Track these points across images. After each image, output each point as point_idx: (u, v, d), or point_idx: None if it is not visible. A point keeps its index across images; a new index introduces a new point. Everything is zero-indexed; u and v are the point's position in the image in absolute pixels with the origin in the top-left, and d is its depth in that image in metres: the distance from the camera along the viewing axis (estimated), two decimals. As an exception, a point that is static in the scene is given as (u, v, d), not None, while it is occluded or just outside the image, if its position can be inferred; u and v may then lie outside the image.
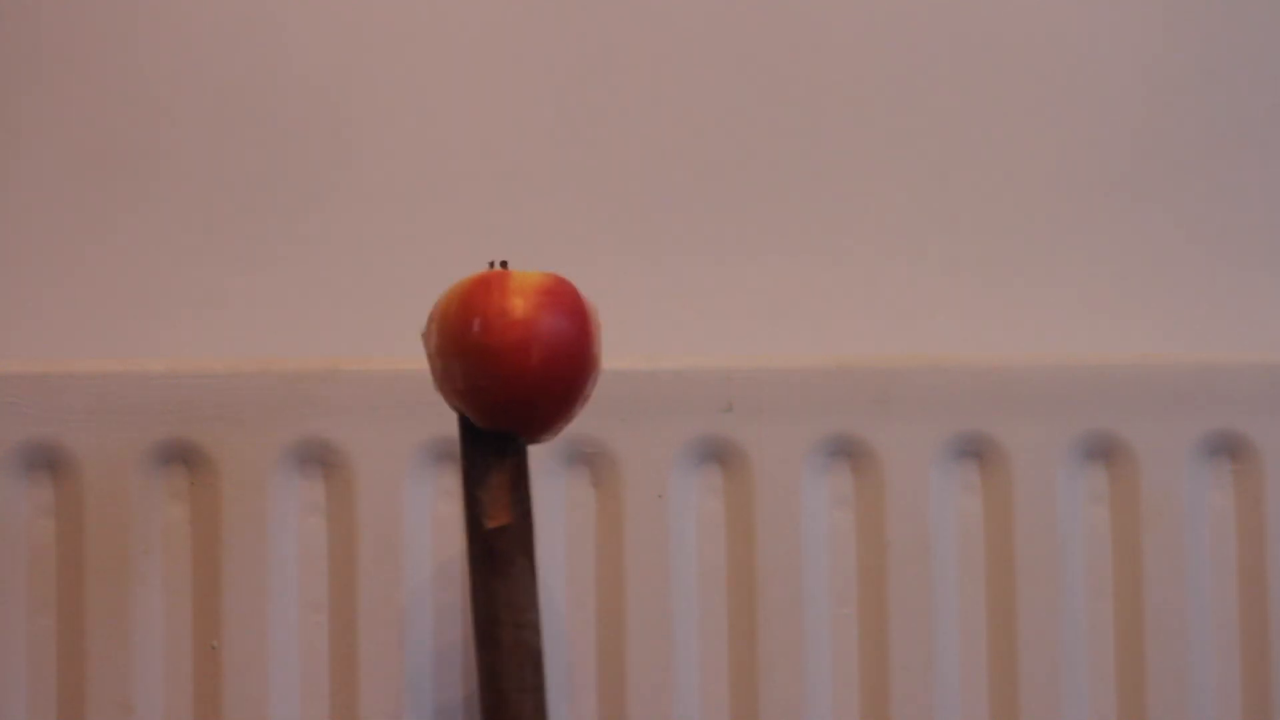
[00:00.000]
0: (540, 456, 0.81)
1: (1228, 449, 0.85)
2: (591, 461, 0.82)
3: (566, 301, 0.68)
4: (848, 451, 0.83)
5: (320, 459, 0.81)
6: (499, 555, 0.69)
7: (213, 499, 0.80)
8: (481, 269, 0.70)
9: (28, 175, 0.88)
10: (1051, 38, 0.93)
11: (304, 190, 0.89)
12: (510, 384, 0.67)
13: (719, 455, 0.83)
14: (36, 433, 0.79)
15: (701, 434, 0.82)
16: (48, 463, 0.80)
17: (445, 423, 0.81)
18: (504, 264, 0.70)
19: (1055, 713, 0.83)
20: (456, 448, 0.81)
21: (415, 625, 0.81)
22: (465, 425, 0.70)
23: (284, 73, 0.89)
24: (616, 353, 0.79)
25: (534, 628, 0.69)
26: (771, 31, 0.92)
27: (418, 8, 0.90)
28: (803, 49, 0.92)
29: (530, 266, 0.90)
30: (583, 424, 0.81)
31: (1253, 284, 0.94)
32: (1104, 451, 0.85)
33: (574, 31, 0.91)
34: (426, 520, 0.81)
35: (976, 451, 0.84)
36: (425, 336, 0.70)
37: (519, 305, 0.67)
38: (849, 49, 0.92)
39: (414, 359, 0.82)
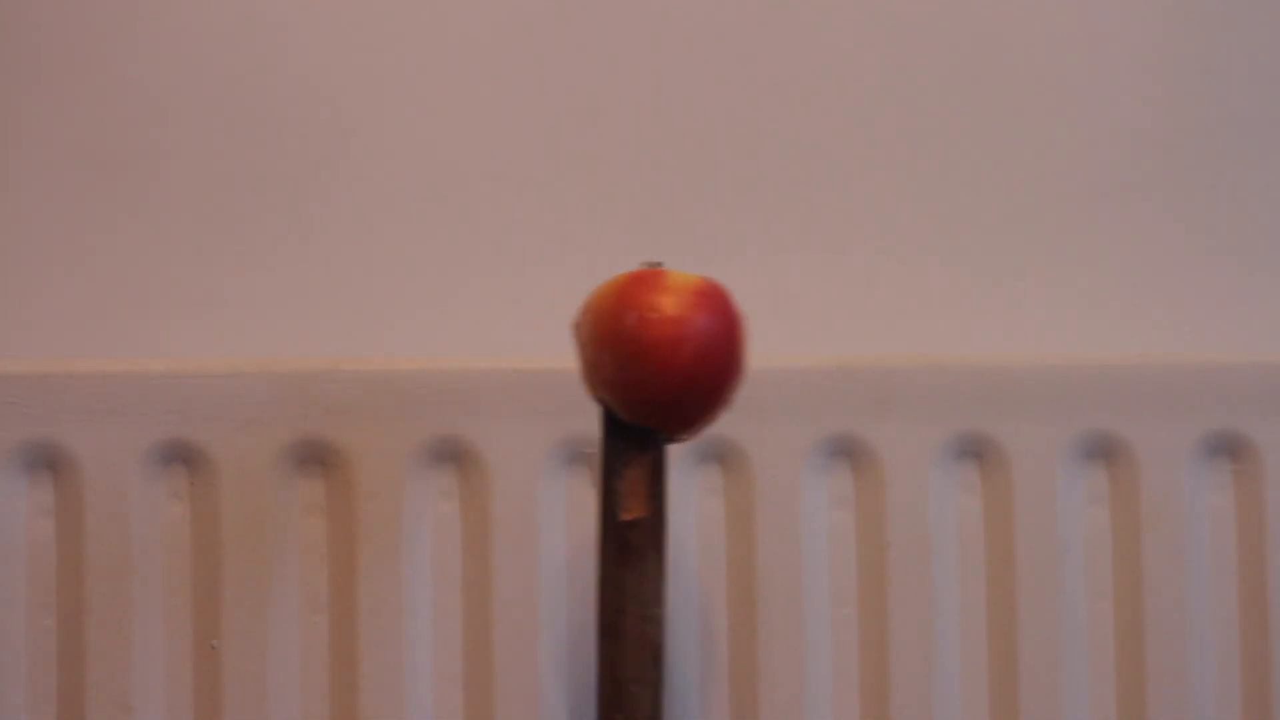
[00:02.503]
0: (539, 457, 0.81)
1: (1228, 449, 0.85)
2: (591, 461, 0.82)
3: (719, 304, 0.70)
4: (848, 451, 0.83)
5: (320, 459, 0.81)
6: (631, 548, 0.70)
7: (213, 499, 0.80)
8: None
9: (28, 175, 0.88)
10: (1052, 37, 0.93)
11: (304, 190, 0.89)
12: (658, 379, 0.68)
13: (719, 455, 0.83)
14: (36, 433, 0.79)
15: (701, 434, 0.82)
16: (48, 463, 0.80)
17: (445, 423, 0.81)
18: (658, 264, 0.72)
19: (1055, 713, 0.83)
20: (455, 448, 0.81)
21: (416, 625, 0.81)
22: (608, 418, 0.71)
23: (283, 72, 0.89)
24: (616, 353, 0.79)
25: (658, 621, 0.71)
26: (770, 30, 0.92)
27: (418, 7, 0.90)
28: (803, 48, 0.92)
29: (527, 265, 0.90)
30: (582, 424, 0.81)
31: (1253, 284, 0.94)
32: (1104, 451, 0.85)
33: (575, 31, 0.91)
34: (427, 520, 0.81)
35: (976, 451, 0.84)
36: (576, 327, 0.71)
37: (673, 303, 0.69)
38: (849, 48, 0.92)
39: (414, 359, 0.82)
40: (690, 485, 0.83)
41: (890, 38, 0.92)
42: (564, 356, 0.82)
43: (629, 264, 0.89)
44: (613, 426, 0.71)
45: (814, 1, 0.92)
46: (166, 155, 0.89)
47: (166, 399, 0.80)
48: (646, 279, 0.70)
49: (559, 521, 0.82)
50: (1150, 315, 0.93)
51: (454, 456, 0.81)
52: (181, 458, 0.80)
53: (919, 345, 0.91)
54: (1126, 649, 0.84)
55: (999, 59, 0.93)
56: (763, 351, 0.87)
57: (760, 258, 0.91)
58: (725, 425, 0.82)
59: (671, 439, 0.71)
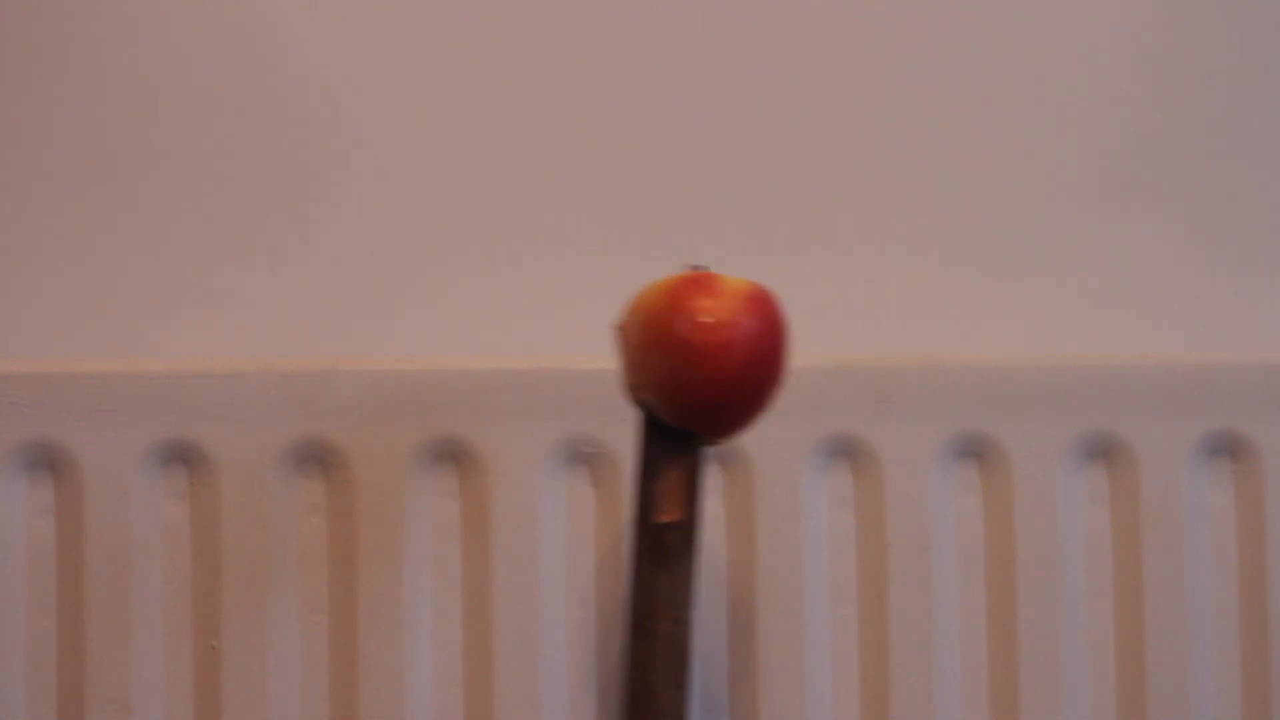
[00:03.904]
0: (539, 457, 0.81)
1: (1228, 449, 0.85)
2: (592, 461, 0.82)
3: (769, 309, 0.70)
4: (848, 451, 0.83)
5: (320, 459, 0.81)
6: (666, 550, 0.70)
7: (213, 499, 0.80)
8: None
9: (27, 175, 0.88)
10: (1053, 37, 0.93)
11: (304, 189, 0.89)
12: (708, 383, 0.68)
13: (720, 455, 0.83)
14: (36, 433, 0.79)
15: (701, 434, 0.82)
16: (48, 463, 0.80)
17: (446, 423, 0.81)
18: (705, 267, 0.72)
19: (1055, 713, 0.83)
20: (457, 448, 0.81)
21: (416, 625, 0.81)
22: (648, 419, 0.71)
23: (283, 71, 0.89)
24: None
25: (689, 625, 0.71)
26: (770, 30, 0.92)
27: (418, 4, 0.90)
28: (802, 48, 0.92)
29: (527, 265, 0.90)
30: (582, 425, 0.81)
31: (1253, 284, 0.94)
32: (1104, 451, 0.85)
33: (576, 30, 0.91)
34: (427, 520, 0.81)
35: (976, 451, 0.84)
36: (621, 327, 0.71)
37: (726, 307, 0.69)
38: (849, 48, 0.92)
39: (414, 359, 0.82)
40: (690, 485, 0.83)
41: (891, 38, 0.92)
42: (564, 356, 0.82)
43: (629, 263, 0.90)
44: (653, 429, 0.71)
45: (815, 2, 0.92)
46: (166, 155, 0.89)
47: (166, 399, 0.80)
48: (698, 282, 0.70)
49: (559, 521, 0.82)
50: (1150, 315, 0.93)
51: (454, 456, 0.81)
52: (181, 458, 0.80)
53: (919, 345, 0.91)
54: (1126, 649, 0.84)
55: (999, 59, 0.93)
56: (763, 351, 0.87)
57: (760, 258, 0.91)
58: (725, 425, 0.82)
59: (710, 443, 0.71)
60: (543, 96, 0.91)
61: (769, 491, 0.82)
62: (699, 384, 0.68)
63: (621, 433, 0.81)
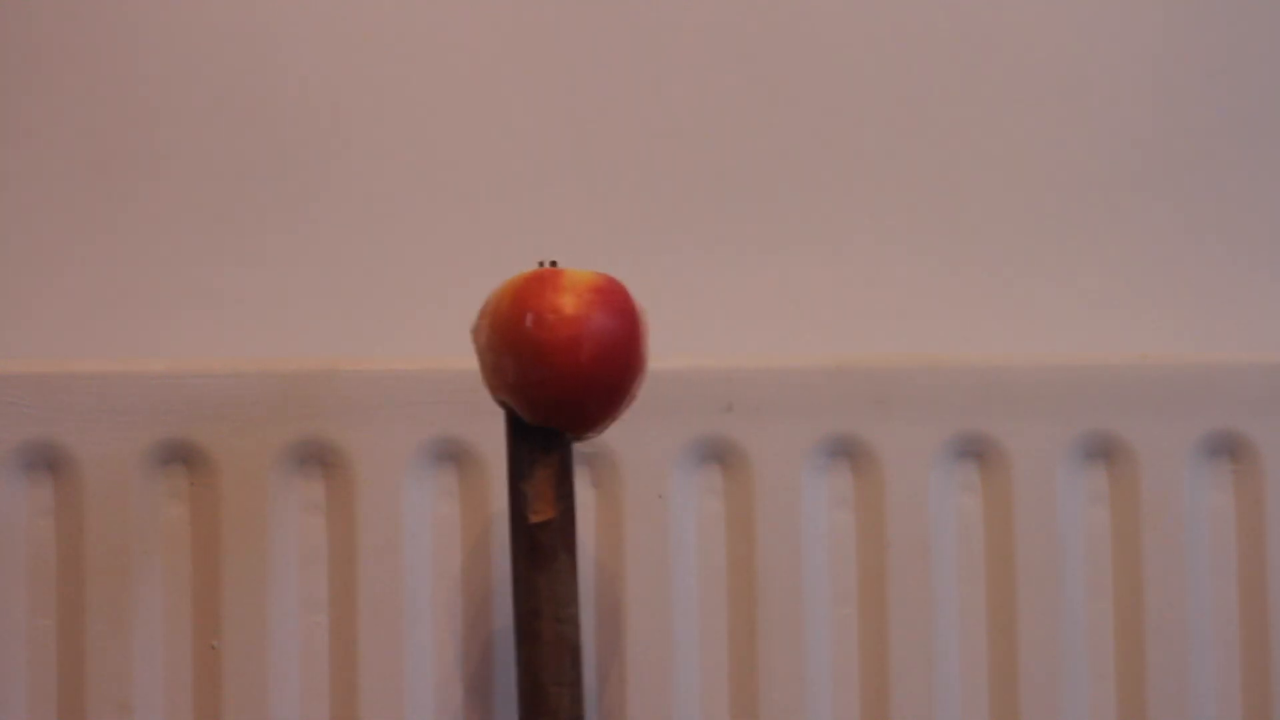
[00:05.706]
0: (540, 456, 0.81)
1: (1228, 449, 0.85)
2: (591, 461, 0.82)
3: (617, 301, 0.70)
4: (848, 451, 0.83)
5: (320, 459, 0.81)
6: (542, 549, 0.70)
7: (213, 499, 0.80)
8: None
9: (27, 175, 0.88)
10: (1053, 36, 0.93)
11: (304, 189, 0.89)
12: (560, 380, 0.68)
13: (719, 455, 0.83)
14: (36, 433, 0.79)
15: (701, 434, 0.82)
16: (48, 463, 0.80)
17: (445, 423, 0.81)
18: (554, 263, 0.71)
19: (1055, 713, 0.83)
20: (455, 448, 0.81)
21: (415, 625, 0.81)
22: (512, 420, 0.71)
23: (283, 71, 0.89)
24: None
25: (574, 622, 0.71)
26: (771, 28, 0.92)
27: (417, 5, 0.90)
28: (803, 47, 0.92)
29: (527, 265, 0.90)
30: (583, 424, 0.81)
31: (1253, 284, 0.94)
32: (1104, 451, 0.85)
33: (575, 31, 0.91)
34: (426, 520, 0.81)
35: (976, 451, 0.84)
36: (475, 332, 0.71)
37: (571, 302, 0.69)
38: (849, 47, 0.92)
39: (414, 359, 0.82)
40: (690, 485, 0.83)
41: (891, 37, 0.92)
42: (564, 356, 0.82)
43: (630, 263, 0.90)
44: (517, 429, 0.71)
45: (818, 1, 0.92)
46: (166, 155, 0.89)
47: (166, 399, 0.80)
48: (543, 279, 0.70)
49: (559, 521, 0.82)
50: (1150, 315, 0.93)
51: (453, 456, 0.81)
52: (181, 458, 0.80)
53: (919, 345, 0.91)
54: (1126, 649, 0.84)
55: (999, 58, 0.93)
56: (763, 351, 0.88)
57: (760, 257, 0.91)
58: (725, 425, 0.82)
59: (576, 438, 0.71)
60: (544, 98, 0.91)
61: (769, 491, 0.82)
62: (551, 382, 0.68)
63: (621, 433, 0.81)
